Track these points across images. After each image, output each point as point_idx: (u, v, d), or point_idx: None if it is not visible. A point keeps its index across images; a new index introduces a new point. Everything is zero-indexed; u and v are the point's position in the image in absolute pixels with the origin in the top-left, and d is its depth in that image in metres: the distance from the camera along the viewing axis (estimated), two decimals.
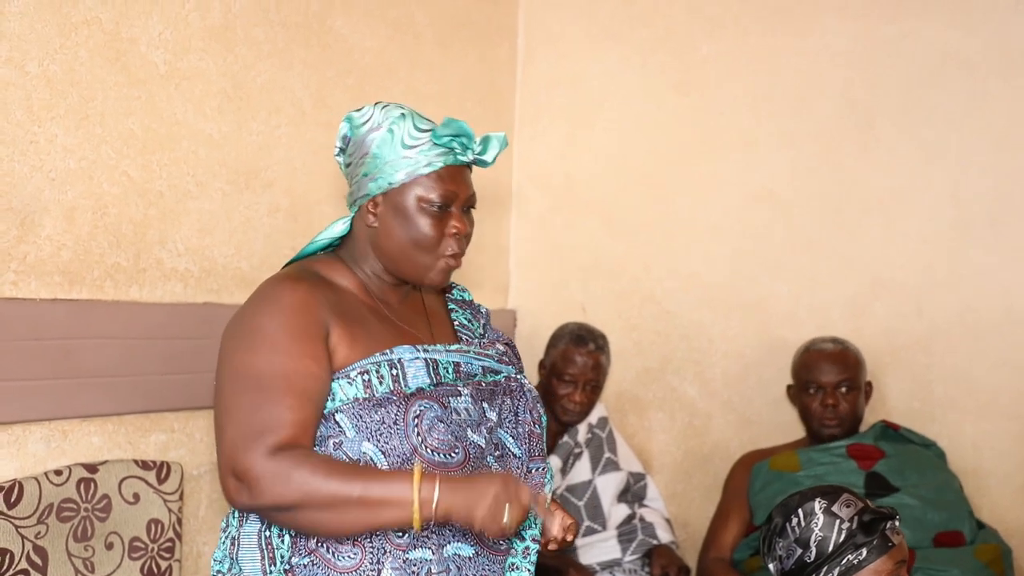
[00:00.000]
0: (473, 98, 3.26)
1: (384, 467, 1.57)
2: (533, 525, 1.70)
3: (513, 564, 1.69)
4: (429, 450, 1.59)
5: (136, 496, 2.16)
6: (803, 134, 3.10)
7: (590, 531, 2.86)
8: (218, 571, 1.67)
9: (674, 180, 3.27)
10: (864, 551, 1.78)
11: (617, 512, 2.90)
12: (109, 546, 2.10)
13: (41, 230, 2.06)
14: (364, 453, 1.57)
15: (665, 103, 3.28)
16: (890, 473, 2.66)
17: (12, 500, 1.94)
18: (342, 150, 1.74)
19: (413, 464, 1.56)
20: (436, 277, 1.70)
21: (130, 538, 2.14)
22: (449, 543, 1.60)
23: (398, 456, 1.58)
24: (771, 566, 1.89)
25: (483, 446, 1.66)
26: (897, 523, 1.83)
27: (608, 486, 2.91)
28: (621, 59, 3.33)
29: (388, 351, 1.63)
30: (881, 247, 3.00)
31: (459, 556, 1.61)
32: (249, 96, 2.47)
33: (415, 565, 1.57)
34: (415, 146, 1.65)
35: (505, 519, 1.49)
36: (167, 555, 2.20)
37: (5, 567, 1.91)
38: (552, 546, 1.72)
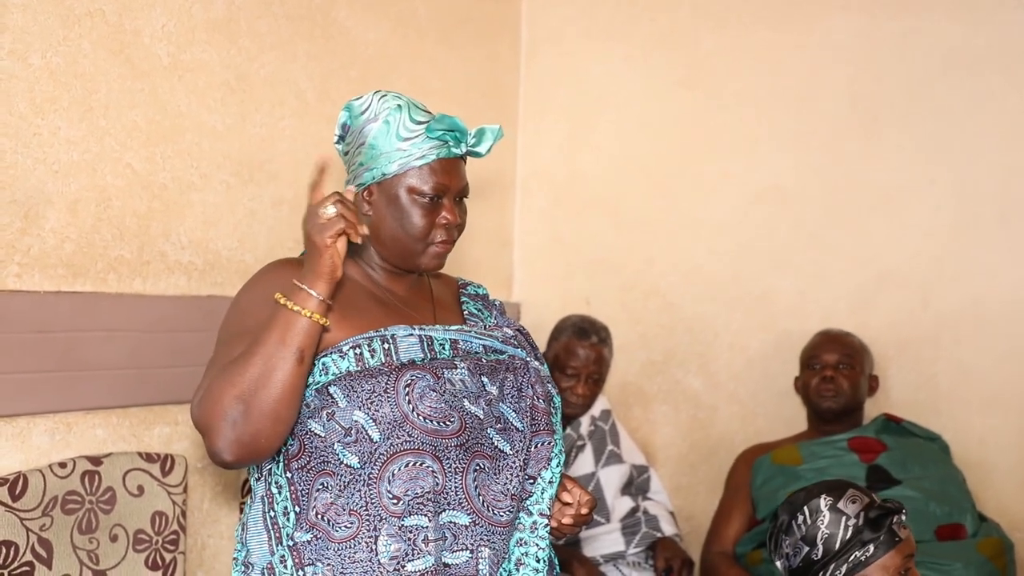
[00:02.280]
0: (476, 93, 3.26)
1: (375, 435, 1.59)
2: (540, 500, 1.69)
3: (521, 539, 1.67)
4: (421, 417, 1.60)
5: (140, 488, 2.16)
6: (807, 129, 3.09)
7: (594, 524, 2.86)
8: (235, 558, 1.70)
9: (677, 174, 3.26)
10: (871, 547, 1.78)
11: (621, 505, 2.90)
12: (114, 538, 2.10)
13: (45, 222, 2.05)
14: (356, 421, 1.59)
15: (668, 98, 3.27)
16: (892, 466, 2.66)
17: (17, 492, 1.94)
18: (341, 138, 1.78)
19: (404, 431, 1.59)
20: (428, 262, 1.74)
21: (134, 530, 2.14)
22: (444, 511, 1.60)
23: (389, 423, 1.59)
24: (778, 563, 1.87)
25: (481, 417, 1.66)
26: (904, 517, 1.82)
27: (611, 479, 2.90)
28: (624, 54, 3.33)
29: (382, 328, 1.67)
30: (886, 241, 3.00)
31: (455, 524, 1.61)
32: (253, 88, 2.47)
33: (411, 532, 1.57)
34: (409, 138, 1.69)
35: (318, 237, 1.53)
36: (171, 547, 2.20)
37: (10, 559, 1.91)
38: (567, 520, 1.73)
